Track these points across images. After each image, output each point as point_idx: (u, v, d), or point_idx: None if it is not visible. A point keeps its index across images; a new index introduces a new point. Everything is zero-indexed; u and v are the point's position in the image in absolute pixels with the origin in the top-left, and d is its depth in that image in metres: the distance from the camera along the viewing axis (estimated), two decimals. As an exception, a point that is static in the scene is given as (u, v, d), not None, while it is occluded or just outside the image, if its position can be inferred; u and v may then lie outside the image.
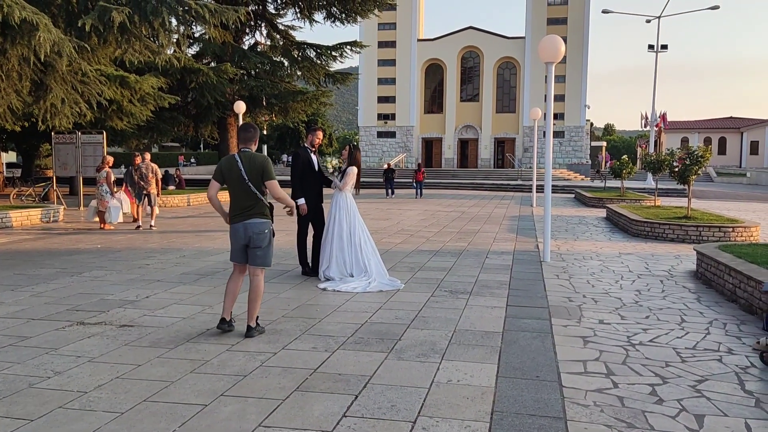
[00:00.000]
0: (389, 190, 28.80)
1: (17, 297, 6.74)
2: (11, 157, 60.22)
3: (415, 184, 28.71)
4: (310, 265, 8.21)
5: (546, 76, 10.00)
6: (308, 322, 5.76)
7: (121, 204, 14.21)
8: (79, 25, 10.93)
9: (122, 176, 15.31)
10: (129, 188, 14.17)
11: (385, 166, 31.31)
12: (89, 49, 11.49)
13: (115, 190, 14.25)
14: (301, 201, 7.88)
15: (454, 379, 4.29)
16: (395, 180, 29.63)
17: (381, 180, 32.62)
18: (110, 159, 14.44)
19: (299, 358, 4.71)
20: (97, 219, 14.07)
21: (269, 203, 5.26)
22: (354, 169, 7.88)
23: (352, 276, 7.64)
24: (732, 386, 4.33)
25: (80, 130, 19.35)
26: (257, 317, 5.31)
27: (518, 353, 4.89)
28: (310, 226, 8.25)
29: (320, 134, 8.18)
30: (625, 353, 5.06)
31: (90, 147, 19.01)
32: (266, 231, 5.19)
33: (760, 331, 5.61)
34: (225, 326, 5.27)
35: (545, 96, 56.17)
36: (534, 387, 4.15)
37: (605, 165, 51.51)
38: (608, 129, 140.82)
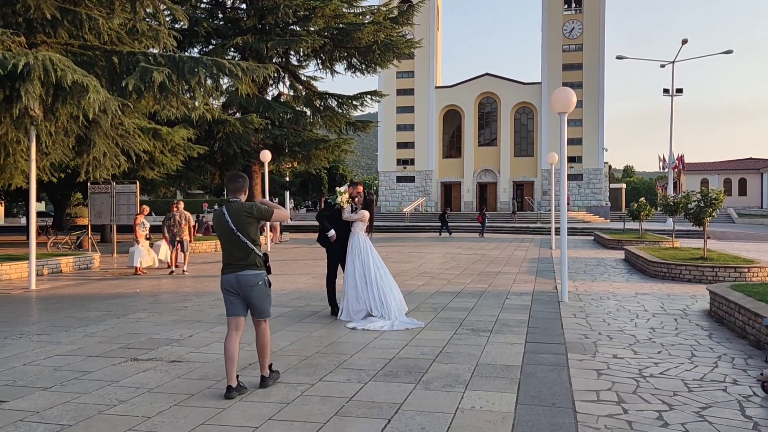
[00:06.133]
0: (444, 231, 34.00)
1: (72, 337, 7.32)
2: (40, 206, 62.08)
3: (479, 225, 33.83)
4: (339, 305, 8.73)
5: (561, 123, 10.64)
6: (341, 358, 6.24)
7: (158, 250, 14.99)
8: (123, 84, 11.83)
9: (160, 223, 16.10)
10: (166, 235, 14.91)
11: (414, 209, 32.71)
12: (131, 106, 12.37)
13: (148, 236, 15.08)
14: (332, 232, 8.52)
15: (477, 406, 4.74)
16: (450, 223, 35.20)
17: (401, 224, 35.31)
18: (146, 208, 15.29)
19: (335, 388, 5.19)
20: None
21: (264, 253, 5.17)
22: (367, 213, 8.55)
23: (371, 312, 8.16)
24: (733, 412, 4.71)
25: (114, 180, 20.29)
26: (270, 365, 5.27)
27: (536, 384, 5.32)
28: (339, 269, 8.80)
29: (360, 188, 8.81)
30: (636, 384, 5.46)
31: (124, 196, 19.91)
32: (260, 282, 5.07)
33: (764, 364, 5.97)
34: (234, 393, 4.89)
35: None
36: (550, 413, 4.58)
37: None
38: (628, 171, 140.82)
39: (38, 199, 38.65)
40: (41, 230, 31.16)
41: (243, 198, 5.16)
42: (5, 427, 4.27)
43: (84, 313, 9.00)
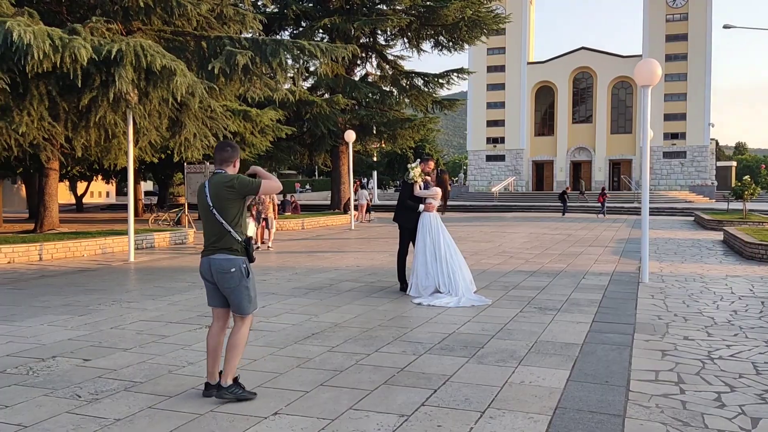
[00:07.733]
0: (564, 211, 33.55)
1: (158, 305, 7.88)
2: (148, 185, 66.23)
3: (599, 205, 32.64)
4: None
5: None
6: (401, 331, 6.38)
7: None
8: (209, 68, 12.43)
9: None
10: (252, 212, 15.58)
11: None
12: (217, 89, 12.99)
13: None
14: (421, 207, 8.62)
15: (526, 380, 4.74)
16: (568, 204, 34.70)
17: (489, 204, 35.00)
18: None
19: (389, 359, 5.33)
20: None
21: (245, 237, 4.34)
22: (439, 190, 8.59)
23: (439, 288, 8.22)
24: (802, 398, 4.45)
25: (208, 160, 21.33)
26: (237, 377, 4.38)
27: (593, 362, 5.23)
28: (411, 246, 8.91)
29: (432, 164, 8.85)
30: (701, 365, 5.25)
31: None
32: (233, 270, 4.25)
33: None
34: (212, 391, 4.34)
35: (664, 115, 54.04)
36: (601, 390, 4.51)
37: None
38: (740, 148, 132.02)
39: (144, 179, 41.25)
40: (146, 208, 33.31)
41: (232, 171, 4.40)
42: (84, 382, 4.72)
43: (172, 284, 9.63)
